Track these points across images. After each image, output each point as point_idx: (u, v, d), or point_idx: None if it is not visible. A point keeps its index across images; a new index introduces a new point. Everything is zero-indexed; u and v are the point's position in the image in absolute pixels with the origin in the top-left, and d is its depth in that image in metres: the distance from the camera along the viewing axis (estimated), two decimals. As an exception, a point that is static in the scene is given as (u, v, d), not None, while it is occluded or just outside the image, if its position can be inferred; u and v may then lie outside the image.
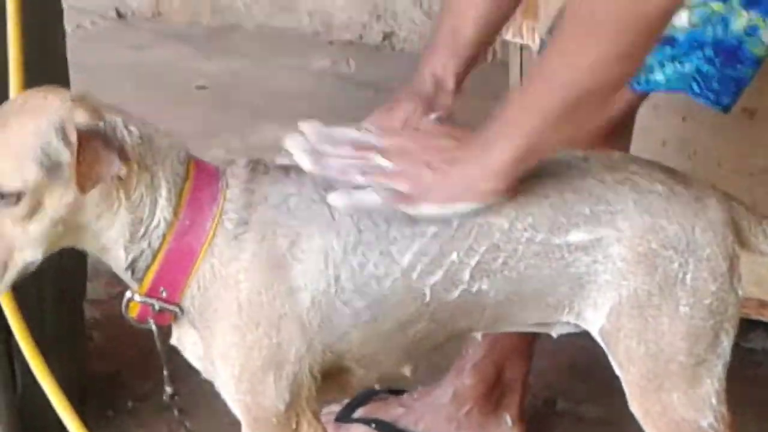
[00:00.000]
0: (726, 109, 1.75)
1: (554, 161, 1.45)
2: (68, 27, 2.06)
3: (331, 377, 1.45)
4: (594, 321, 1.44)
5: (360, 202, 1.39)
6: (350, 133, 1.46)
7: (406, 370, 1.52)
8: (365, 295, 1.40)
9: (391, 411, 2.01)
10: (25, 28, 1.67)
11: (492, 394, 1.98)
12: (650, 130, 2.34)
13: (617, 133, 1.82)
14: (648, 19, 1.33)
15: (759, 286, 2.29)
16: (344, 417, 2.01)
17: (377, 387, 2.06)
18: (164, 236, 1.37)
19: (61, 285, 2.00)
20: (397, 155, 1.42)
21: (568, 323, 1.47)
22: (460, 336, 1.53)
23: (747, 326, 2.35)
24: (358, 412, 2.02)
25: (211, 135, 3.33)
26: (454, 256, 1.40)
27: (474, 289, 1.42)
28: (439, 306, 1.43)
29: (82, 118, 1.32)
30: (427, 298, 1.42)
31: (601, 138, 1.76)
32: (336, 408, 2.02)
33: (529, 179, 1.42)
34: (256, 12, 4.29)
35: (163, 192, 1.37)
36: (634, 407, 1.46)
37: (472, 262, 1.41)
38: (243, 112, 3.52)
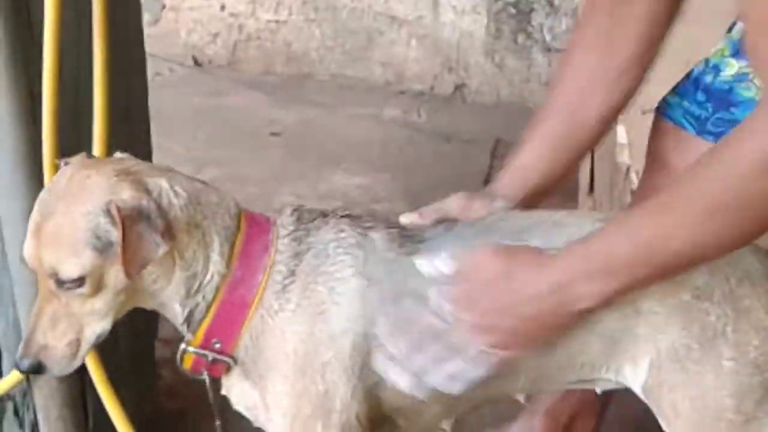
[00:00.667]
0: None
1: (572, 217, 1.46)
2: (148, 74, 2.12)
3: (377, 424, 1.45)
4: (635, 377, 1.42)
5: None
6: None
7: (446, 425, 1.51)
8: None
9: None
10: (111, 75, 1.72)
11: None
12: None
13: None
14: None
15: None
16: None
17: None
18: (218, 289, 1.39)
19: (134, 323, 2.03)
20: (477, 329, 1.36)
21: (609, 380, 1.46)
22: (500, 397, 1.52)
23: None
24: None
25: (282, 181, 3.38)
26: None
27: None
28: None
29: (126, 194, 1.33)
30: None
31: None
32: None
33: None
34: (329, 61, 4.36)
35: (216, 246, 1.38)
36: None
37: None
38: (314, 160, 3.56)
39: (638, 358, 1.41)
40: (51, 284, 1.34)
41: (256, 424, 1.47)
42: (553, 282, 1.34)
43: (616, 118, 1.62)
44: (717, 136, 1.70)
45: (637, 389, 1.44)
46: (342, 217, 1.44)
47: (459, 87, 4.21)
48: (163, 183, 1.37)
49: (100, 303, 1.36)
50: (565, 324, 1.36)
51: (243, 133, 3.76)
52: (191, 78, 4.38)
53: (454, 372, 1.38)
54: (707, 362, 1.38)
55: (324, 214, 1.44)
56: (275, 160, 3.55)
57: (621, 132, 2.44)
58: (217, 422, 1.52)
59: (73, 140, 1.70)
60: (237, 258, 1.39)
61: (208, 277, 1.39)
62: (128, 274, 1.32)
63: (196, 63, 4.50)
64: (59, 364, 1.37)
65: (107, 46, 1.71)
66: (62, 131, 1.66)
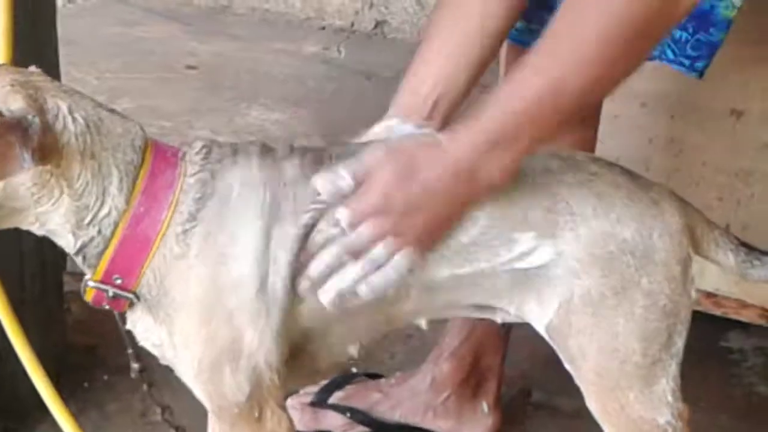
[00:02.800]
0: (700, 74, 1.74)
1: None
2: (59, 1, 2.05)
3: (294, 360, 1.44)
4: (539, 315, 1.44)
5: (344, 283, 1.36)
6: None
7: (353, 350, 1.51)
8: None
9: (367, 397, 2.01)
10: (16, 1, 1.66)
11: (469, 381, 1.98)
12: (638, 128, 2.35)
13: (588, 117, 1.82)
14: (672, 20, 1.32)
15: (738, 286, 2.31)
16: (320, 401, 2.01)
17: (354, 370, 2.06)
18: (117, 224, 1.36)
19: (41, 257, 1.99)
20: (374, 225, 1.34)
21: (508, 313, 1.47)
22: (404, 322, 1.51)
23: (725, 326, 2.37)
24: (335, 397, 2.02)
25: (197, 115, 3.32)
26: None
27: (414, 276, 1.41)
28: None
29: (16, 105, 1.29)
30: None
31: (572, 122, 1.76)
32: (313, 389, 2.02)
33: None
34: (249, -6, 4.29)
35: (114, 180, 1.35)
36: (592, 405, 1.46)
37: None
38: (231, 94, 3.51)
39: (547, 298, 1.42)
40: None
41: (163, 362, 1.45)
42: (456, 165, 1.32)
43: (508, 31, 1.60)
44: (693, 60, 1.70)
45: (540, 327, 1.45)
46: (253, 154, 1.40)
47: (380, 23, 4.17)
48: (63, 106, 1.33)
49: None
50: (470, 203, 1.36)
51: (158, 65, 3.69)
52: (105, 7, 4.27)
53: (377, 282, 1.36)
54: (620, 309, 1.41)
55: (235, 151, 1.41)
56: (191, 94, 3.50)
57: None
58: (129, 350, 1.49)
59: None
60: (139, 193, 1.36)
61: (105, 210, 1.35)
62: None
63: (111, -8, 4.38)
64: None
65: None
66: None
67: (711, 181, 2.30)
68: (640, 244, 1.41)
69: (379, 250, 1.35)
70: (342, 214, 1.35)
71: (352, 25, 4.18)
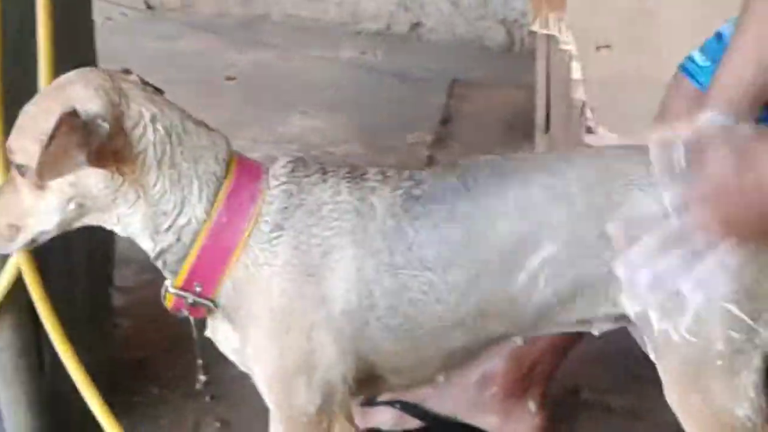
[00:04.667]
0: None
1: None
2: (98, 19, 2.07)
3: (364, 383, 1.46)
4: (630, 305, 1.42)
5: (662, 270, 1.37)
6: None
7: (440, 378, 1.52)
8: (398, 312, 1.40)
9: (417, 392, 2.01)
10: (55, 22, 1.68)
11: (521, 383, 1.97)
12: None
13: None
14: None
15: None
16: (369, 401, 2.01)
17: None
18: (198, 233, 1.39)
19: (89, 271, 2.01)
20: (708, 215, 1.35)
21: (607, 317, 1.46)
22: (497, 343, 1.51)
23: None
24: (383, 396, 2.01)
25: (239, 126, 3.33)
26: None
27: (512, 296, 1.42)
28: (476, 320, 1.43)
29: (94, 107, 1.34)
30: (464, 318, 1.42)
31: None
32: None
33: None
34: (284, 2, 4.30)
35: (195, 190, 1.38)
36: (671, 396, 1.45)
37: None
38: (270, 103, 3.53)
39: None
40: (12, 166, 1.39)
41: (241, 368, 1.47)
42: None
43: None
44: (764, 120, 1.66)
45: (632, 316, 1.43)
46: (343, 177, 1.42)
47: (415, 26, 4.17)
48: (147, 114, 1.37)
49: (47, 200, 1.38)
50: None
51: (197, 77, 3.71)
52: (143, 22, 4.31)
53: (701, 277, 1.36)
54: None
55: (323, 171, 1.43)
56: (231, 104, 3.52)
57: (576, 68, 2.44)
58: (199, 361, 1.52)
59: (18, 85, 1.66)
60: (222, 204, 1.39)
61: (184, 218, 1.38)
62: (38, 173, 1.34)
63: (148, 6, 4.42)
64: None
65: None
66: (6, 75, 1.64)
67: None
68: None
69: (702, 239, 1.34)
70: (671, 195, 1.34)
71: (388, 27, 4.18)
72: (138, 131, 1.36)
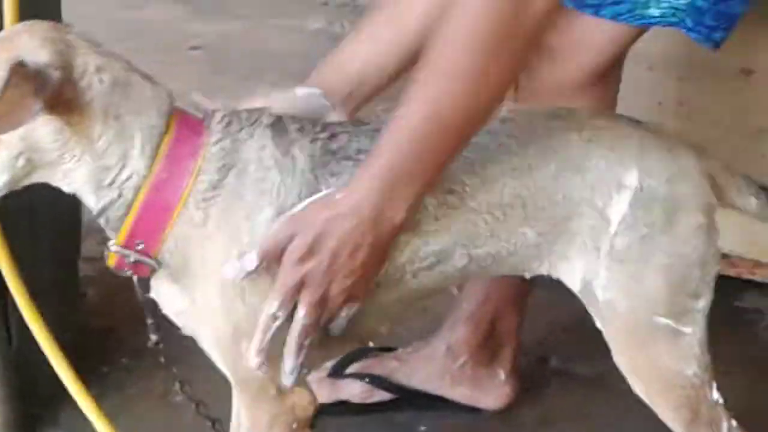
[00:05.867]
0: (717, 45, 1.74)
1: (525, 121, 1.45)
2: (62, -14, 2.05)
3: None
4: (570, 273, 1.44)
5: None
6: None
7: (384, 329, 1.52)
8: None
9: (385, 365, 2.02)
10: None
11: (486, 347, 1.99)
12: (646, 90, 2.34)
13: (607, 76, 1.81)
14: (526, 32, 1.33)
15: (753, 246, 2.30)
16: (337, 373, 2.02)
17: (371, 344, 2.07)
18: (139, 188, 1.36)
19: (56, 242, 2.00)
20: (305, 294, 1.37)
21: (539, 273, 1.47)
22: (435, 293, 1.52)
23: (740, 285, 2.37)
24: (352, 368, 2.02)
25: (204, 96, 3.32)
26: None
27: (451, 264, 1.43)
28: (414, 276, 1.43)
29: (42, 58, 1.32)
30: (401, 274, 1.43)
31: (591, 81, 1.76)
32: (330, 364, 2.03)
33: (498, 148, 1.41)
34: (251, -28, 4.27)
35: (137, 144, 1.36)
36: (620, 360, 1.46)
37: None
38: (236, 73, 3.50)
39: (576, 255, 1.42)
40: None
41: (185, 332, 1.45)
42: (359, 218, 1.34)
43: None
44: (596, 8, 1.70)
45: (573, 285, 1.45)
46: (269, 125, 1.40)
47: (382, -3, 4.16)
48: (92, 64, 1.34)
49: None
50: (387, 244, 1.37)
51: (162, 46, 3.68)
52: (108, -10, 4.26)
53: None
54: (646, 259, 1.41)
55: (253, 121, 1.41)
56: (196, 75, 3.49)
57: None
58: (149, 321, 1.49)
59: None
60: (162, 159, 1.36)
61: (126, 173, 1.36)
62: None
63: (113, -25, 4.37)
64: None
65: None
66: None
67: (723, 142, 2.29)
68: (660, 191, 1.40)
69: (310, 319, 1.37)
70: (272, 303, 1.36)
71: (355, -1, 4.16)
72: (84, 81, 1.33)
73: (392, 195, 1.34)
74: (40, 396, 1.92)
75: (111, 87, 1.35)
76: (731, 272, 2.33)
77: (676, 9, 1.69)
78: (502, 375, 2.01)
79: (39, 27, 1.37)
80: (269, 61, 3.59)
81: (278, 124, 1.42)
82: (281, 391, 1.43)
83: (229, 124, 1.40)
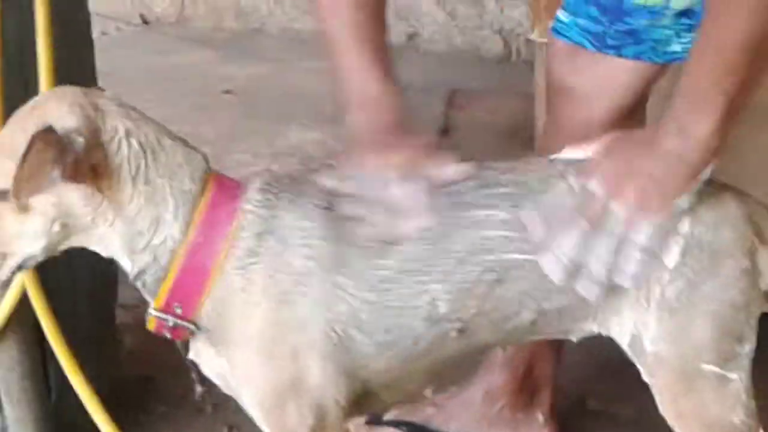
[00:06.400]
0: None
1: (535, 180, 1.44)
2: (94, 34, 2.07)
3: (356, 401, 1.44)
4: (620, 327, 1.43)
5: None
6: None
7: (428, 392, 1.51)
8: (388, 330, 1.39)
9: (421, 412, 2.00)
10: (54, 37, 1.69)
11: (523, 391, 1.97)
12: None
13: (633, 114, 1.81)
14: None
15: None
16: (376, 420, 2.01)
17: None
18: (174, 252, 1.36)
19: (93, 290, 2.01)
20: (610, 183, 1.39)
21: (589, 331, 1.47)
22: (482, 352, 1.52)
23: None
24: (390, 414, 2.01)
25: (237, 139, 3.34)
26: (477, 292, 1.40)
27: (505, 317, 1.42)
28: (469, 333, 1.42)
29: (70, 124, 1.32)
30: (453, 333, 1.41)
31: (618, 121, 1.76)
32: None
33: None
34: (280, 15, 4.31)
35: (170, 208, 1.36)
36: (666, 411, 1.45)
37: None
38: (268, 116, 3.53)
39: (625, 308, 1.41)
40: None
41: (226, 391, 1.46)
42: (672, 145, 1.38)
43: None
44: (617, 49, 1.70)
45: (623, 341, 1.44)
46: (313, 199, 1.40)
47: (411, 36, 4.18)
48: (122, 129, 1.35)
49: (30, 224, 1.35)
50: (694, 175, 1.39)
51: (195, 91, 3.72)
52: (139, 37, 4.32)
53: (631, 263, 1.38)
54: (693, 306, 1.39)
55: (295, 193, 1.40)
56: (228, 118, 3.52)
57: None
58: (193, 375, 1.48)
59: (19, 101, 1.65)
60: (198, 224, 1.36)
61: (159, 237, 1.36)
62: (14, 192, 1.30)
63: (144, 21, 4.43)
64: None
65: (49, 4, 1.67)
66: (7, 91, 1.64)
67: (750, 174, 2.26)
68: (708, 237, 1.40)
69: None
70: (596, 183, 1.38)
71: (384, 39, 4.18)
72: (113, 146, 1.34)
73: (697, 122, 1.37)
74: (79, 446, 1.93)
75: (141, 151, 1.35)
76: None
77: None
78: (540, 418, 1.99)
79: (69, 92, 1.38)
80: (301, 103, 3.62)
81: (327, 202, 1.41)
82: None
83: (267, 190, 1.39)
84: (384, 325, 1.39)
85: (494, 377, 1.97)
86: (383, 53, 1.58)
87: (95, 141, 1.33)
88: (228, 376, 1.42)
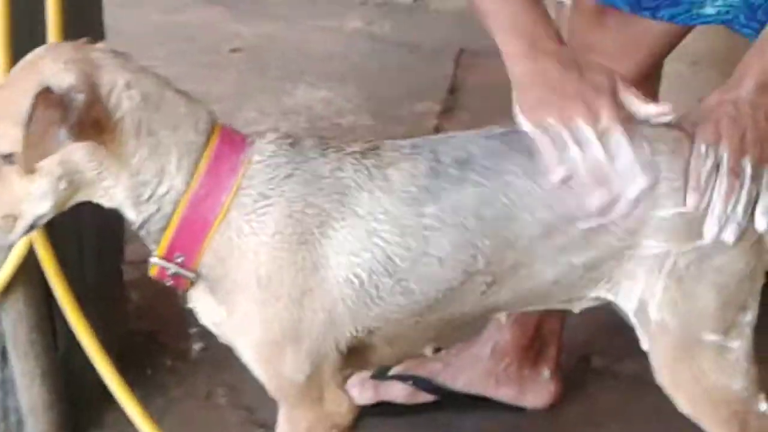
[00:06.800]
0: None
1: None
2: (102, -9, 2.07)
3: (354, 353, 1.45)
4: (627, 295, 1.43)
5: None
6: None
7: (428, 350, 1.52)
8: (423, 278, 1.39)
9: (428, 367, 2.02)
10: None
11: (530, 348, 1.98)
12: (689, 87, 2.32)
13: (652, 74, 1.82)
14: None
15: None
16: (381, 374, 2.02)
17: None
18: (178, 203, 1.37)
19: (100, 246, 2.02)
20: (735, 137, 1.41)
21: (593, 299, 1.47)
22: (491, 314, 1.52)
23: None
24: (396, 369, 2.02)
25: (245, 97, 3.33)
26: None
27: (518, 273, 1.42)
28: (494, 288, 1.43)
29: (68, 81, 1.31)
30: (483, 287, 1.42)
31: (639, 80, 1.75)
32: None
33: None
34: (289, -27, 4.28)
35: (173, 159, 1.36)
36: (664, 378, 1.45)
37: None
38: (276, 74, 3.52)
39: (634, 276, 1.42)
40: None
41: (222, 340, 1.46)
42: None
43: None
44: (653, 10, 1.69)
45: (629, 307, 1.44)
46: (350, 154, 1.39)
47: (421, -5, 4.15)
48: (120, 81, 1.35)
49: (37, 184, 1.36)
50: None
51: (203, 49, 3.70)
52: (147, -6, 4.29)
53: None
54: (701, 278, 1.40)
55: (323, 145, 1.40)
56: (237, 76, 3.51)
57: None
58: (193, 329, 1.50)
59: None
60: (201, 175, 1.37)
61: (163, 188, 1.37)
62: (24, 158, 1.30)
63: (153, -21, 4.40)
64: None
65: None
66: (17, 48, 1.63)
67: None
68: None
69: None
70: (724, 146, 1.39)
71: (394, -2, 4.16)
72: (113, 98, 1.34)
73: None
74: (85, 400, 1.95)
75: (142, 102, 1.35)
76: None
77: (731, 6, 1.68)
78: (546, 374, 2.00)
79: (62, 49, 1.38)
80: (309, 62, 3.61)
81: (362, 151, 1.41)
82: (320, 398, 1.43)
83: (280, 144, 1.39)
84: (419, 273, 1.39)
85: (503, 334, 1.98)
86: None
87: (95, 96, 1.32)
88: (224, 325, 1.43)
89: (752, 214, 1.40)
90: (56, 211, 1.39)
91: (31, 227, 1.40)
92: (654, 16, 1.71)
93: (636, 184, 1.35)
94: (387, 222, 1.37)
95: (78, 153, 1.35)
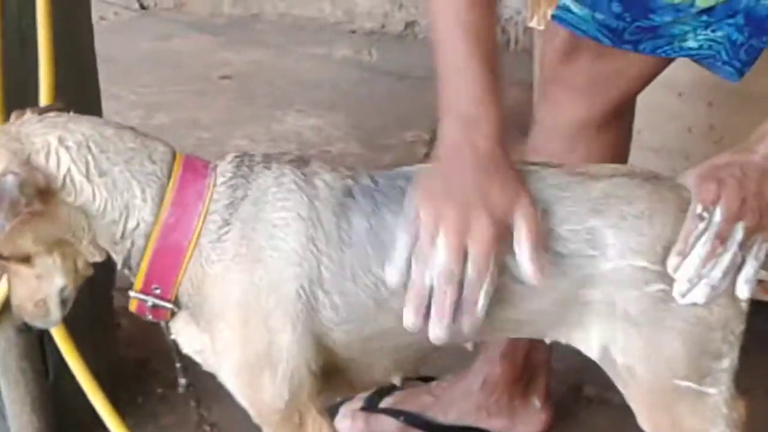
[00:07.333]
0: (741, 76, 1.74)
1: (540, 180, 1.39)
2: (92, 19, 2.07)
3: (331, 376, 1.44)
4: (586, 341, 1.41)
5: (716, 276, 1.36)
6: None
7: (396, 380, 1.50)
8: (343, 293, 1.38)
9: (419, 400, 2.01)
10: (54, 22, 1.68)
11: (520, 380, 1.98)
12: (676, 117, 2.34)
13: (626, 110, 1.82)
14: None
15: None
16: (371, 406, 2.02)
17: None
18: (148, 235, 1.37)
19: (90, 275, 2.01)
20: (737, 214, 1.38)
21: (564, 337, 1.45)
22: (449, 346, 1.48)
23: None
24: (386, 402, 2.02)
25: (234, 125, 3.34)
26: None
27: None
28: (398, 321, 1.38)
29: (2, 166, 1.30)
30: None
31: (614, 115, 1.76)
32: (364, 395, 2.02)
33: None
34: (278, 1, 4.30)
35: (136, 192, 1.36)
36: (644, 424, 1.43)
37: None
38: (266, 102, 3.53)
39: (591, 323, 1.39)
40: None
41: (206, 368, 1.46)
42: None
43: None
44: (634, 44, 1.70)
45: (592, 354, 1.43)
46: (287, 162, 1.41)
47: (410, 24, 4.18)
48: (52, 139, 1.34)
49: (38, 268, 1.39)
50: None
51: (193, 76, 3.72)
52: (137, 22, 4.31)
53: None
54: (664, 323, 1.36)
55: (267, 161, 1.41)
56: (226, 104, 3.52)
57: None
58: (177, 364, 1.51)
59: (20, 84, 1.67)
60: (168, 204, 1.37)
61: (132, 222, 1.37)
62: None
63: (142, 6, 4.42)
64: (40, 322, 1.45)
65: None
66: (8, 75, 1.65)
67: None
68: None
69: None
70: (720, 209, 1.36)
71: (383, 27, 4.19)
72: (52, 159, 1.34)
73: None
74: (76, 427, 1.93)
75: (81, 149, 1.35)
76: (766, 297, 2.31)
77: (714, 41, 1.69)
78: (537, 404, 2.00)
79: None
80: (299, 89, 3.62)
81: (298, 160, 1.42)
82: (301, 424, 1.43)
83: (239, 164, 1.40)
84: (340, 288, 1.37)
85: (492, 367, 1.98)
86: (493, 57, 1.46)
87: (31, 167, 1.32)
88: (207, 352, 1.42)
89: (735, 280, 1.36)
90: (78, 278, 1.43)
91: (64, 302, 1.44)
92: (636, 49, 1.71)
93: (441, 323, 1.31)
94: (321, 229, 1.37)
95: (42, 226, 1.35)
